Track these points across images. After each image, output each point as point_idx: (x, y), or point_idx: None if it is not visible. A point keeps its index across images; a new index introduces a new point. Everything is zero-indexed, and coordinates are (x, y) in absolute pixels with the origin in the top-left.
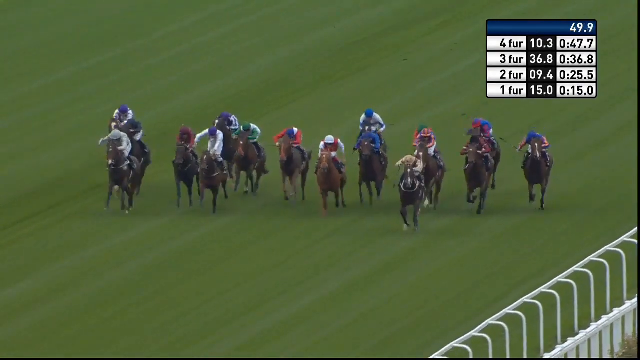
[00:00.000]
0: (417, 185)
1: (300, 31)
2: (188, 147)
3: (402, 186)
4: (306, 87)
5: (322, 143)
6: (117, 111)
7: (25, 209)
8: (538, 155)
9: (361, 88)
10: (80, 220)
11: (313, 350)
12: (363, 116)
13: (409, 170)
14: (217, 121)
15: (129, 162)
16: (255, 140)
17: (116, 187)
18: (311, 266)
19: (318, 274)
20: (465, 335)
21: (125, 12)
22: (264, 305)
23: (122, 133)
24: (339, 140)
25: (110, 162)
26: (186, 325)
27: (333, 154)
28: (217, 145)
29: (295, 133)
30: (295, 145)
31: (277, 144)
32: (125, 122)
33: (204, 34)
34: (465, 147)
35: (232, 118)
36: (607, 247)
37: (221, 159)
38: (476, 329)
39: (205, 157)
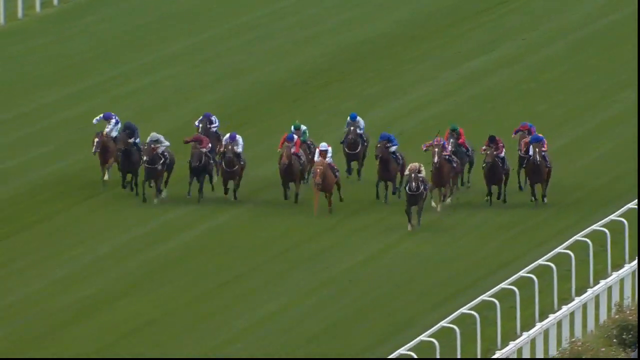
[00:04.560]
0: (421, 188)
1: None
2: (203, 150)
3: (407, 189)
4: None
5: (317, 150)
6: (100, 116)
7: (54, 198)
8: (538, 159)
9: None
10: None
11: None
12: (348, 119)
13: (413, 175)
14: (200, 125)
15: (163, 160)
16: (305, 140)
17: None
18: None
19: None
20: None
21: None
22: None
23: (158, 135)
24: (329, 148)
25: (145, 158)
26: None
27: (328, 160)
28: (239, 145)
29: (295, 139)
30: (294, 153)
31: (279, 150)
32: (114, 128)
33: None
34: (484, 148)
35: (213, 118)
36: (611, 217)
37: (240, 151)
38: (465, 306)
39: (227, 154)
